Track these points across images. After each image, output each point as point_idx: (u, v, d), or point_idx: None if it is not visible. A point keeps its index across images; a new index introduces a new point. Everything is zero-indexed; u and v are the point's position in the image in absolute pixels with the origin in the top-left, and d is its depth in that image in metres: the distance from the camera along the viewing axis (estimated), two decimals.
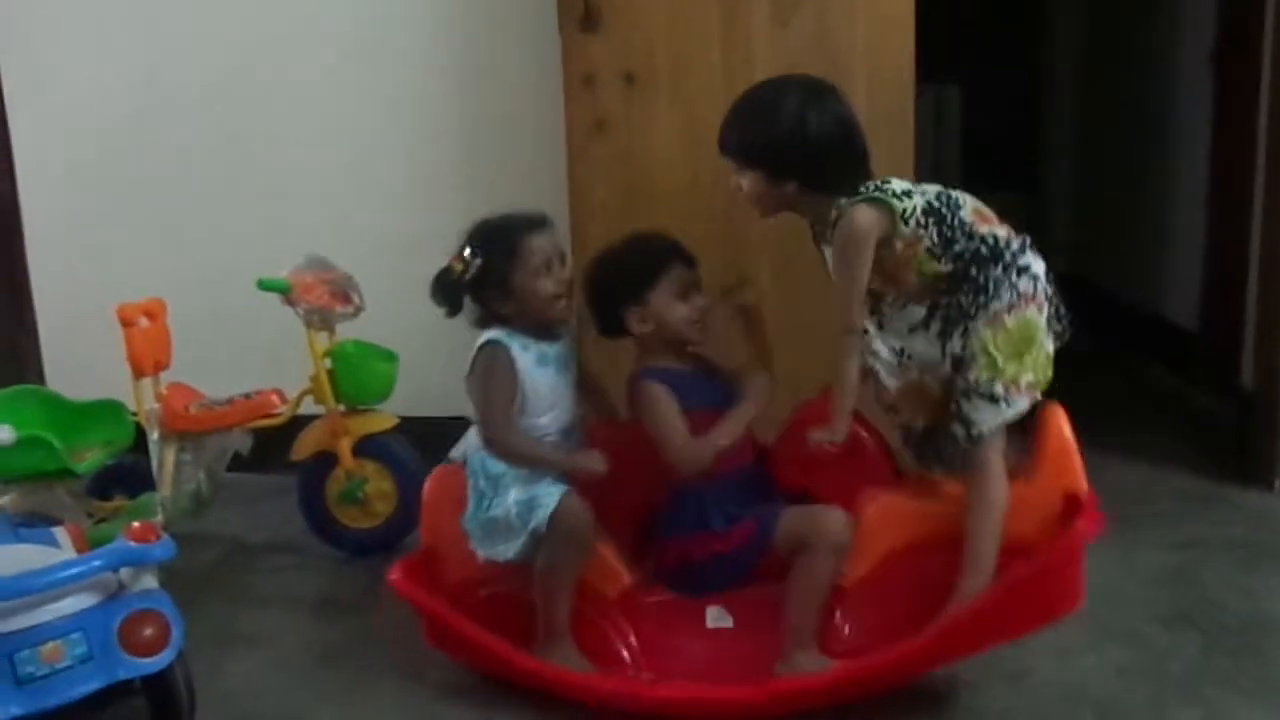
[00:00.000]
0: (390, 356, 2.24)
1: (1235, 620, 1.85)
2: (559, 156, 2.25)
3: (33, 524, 1.73)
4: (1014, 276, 1.54)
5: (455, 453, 1.79)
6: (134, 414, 2.21)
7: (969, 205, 1.59)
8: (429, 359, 2.45)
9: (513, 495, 1.63)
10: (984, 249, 1.55)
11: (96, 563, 1.39)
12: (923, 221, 1.54)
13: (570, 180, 2.24)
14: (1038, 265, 1.57)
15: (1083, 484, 1.59)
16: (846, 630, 1.61)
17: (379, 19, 2.57)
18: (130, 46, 2.67)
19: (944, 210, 1.56)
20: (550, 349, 1.71)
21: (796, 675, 1.56)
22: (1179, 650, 1.75)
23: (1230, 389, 2.80)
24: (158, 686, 1.46)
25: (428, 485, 1.77)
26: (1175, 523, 2.25)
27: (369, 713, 1.68)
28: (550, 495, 1.60)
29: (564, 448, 1.70)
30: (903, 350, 1.61)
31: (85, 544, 1.65)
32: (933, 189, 1.59)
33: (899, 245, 1.55)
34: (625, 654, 1.65)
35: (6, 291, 2.88)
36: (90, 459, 2.14)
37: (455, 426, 2.10)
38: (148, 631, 1.40)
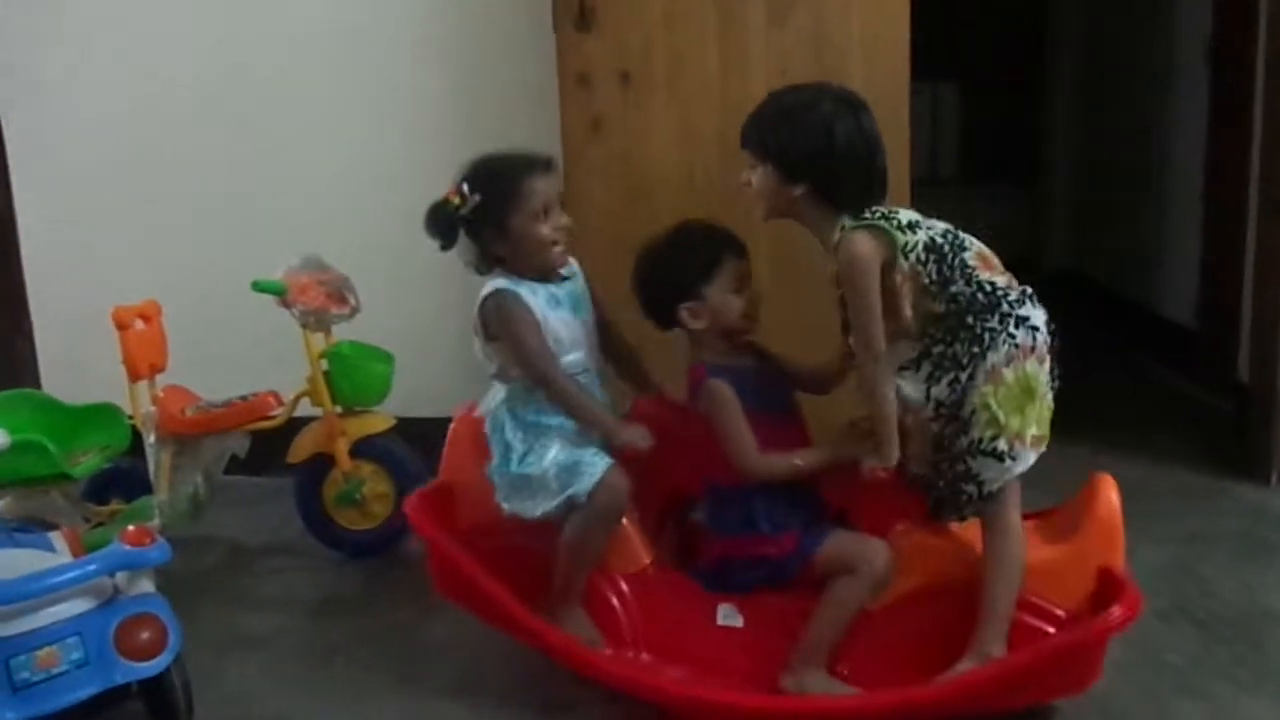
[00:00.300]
0: (387, 358, 2.23)
1: (1233, 613, 1.85)
2: (555, 156, 2.24)
3: (28, 529, 1.73)
4: (1011, 327, 1.50)
5: (482, 407, 1.75)
6: (130, 417, 2.20)
7: (974, 249, 1.56)
8: (426, 359, 2.46)
9: (553, 454, 1.61)
10: (981, 296, 1.51)
11: (92, 567, 1.39)
12: (923, 258, 1.52)
13: (567, 179, 2.23)
14: (1038, 316, 1.53)
15: (1122, 560, 1.55)
16: (854, 657, 1.60)
17: (373, 19, 2.57)
18: (124, 50, 2.66)
19: (946, 249, 1.53)
20: (560, 290, 1.68)
21: (803, 693, 1.56)
22: (1177, 643, 1.75)
23: (1228, 384, 2.80)
24: (155, 690, 1.46)
25: (454, 424, 1.75)
26: (1174, 517, 2.26)
27: (368, 714, 1.68)
28: (595, 465, 1.58)
29: (605, 406, 1.67)
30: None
31: (81, 548, 1.64)
32: (940, 226, 1.56)
33: (897, 278, 1.52)
34: (627, 630, 1.64)
35: (2, 295, 2.87)
36: (86, 463, 2.14)
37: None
38: (144, 635, 1.39)
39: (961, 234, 1.57)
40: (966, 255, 1.54)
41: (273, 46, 2.60)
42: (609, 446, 1.63)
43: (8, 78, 2.72)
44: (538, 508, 1.61)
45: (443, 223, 1.66)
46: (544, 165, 1.68)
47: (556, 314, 1.66)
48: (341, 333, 2.22)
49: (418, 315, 2.60)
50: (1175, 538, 2.14)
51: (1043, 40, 5.01)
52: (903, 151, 2.13)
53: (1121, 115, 3.99)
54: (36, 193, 2.76)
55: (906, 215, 1.55)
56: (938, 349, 1.53)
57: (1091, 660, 1.52)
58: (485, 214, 1.64)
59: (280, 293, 2.10)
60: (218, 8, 2.61)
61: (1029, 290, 1.56)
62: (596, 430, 1.63)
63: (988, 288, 1.52)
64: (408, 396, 2.29)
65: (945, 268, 1.52)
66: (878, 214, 1.54)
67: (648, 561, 1.66)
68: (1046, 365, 1.53)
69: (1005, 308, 1.51)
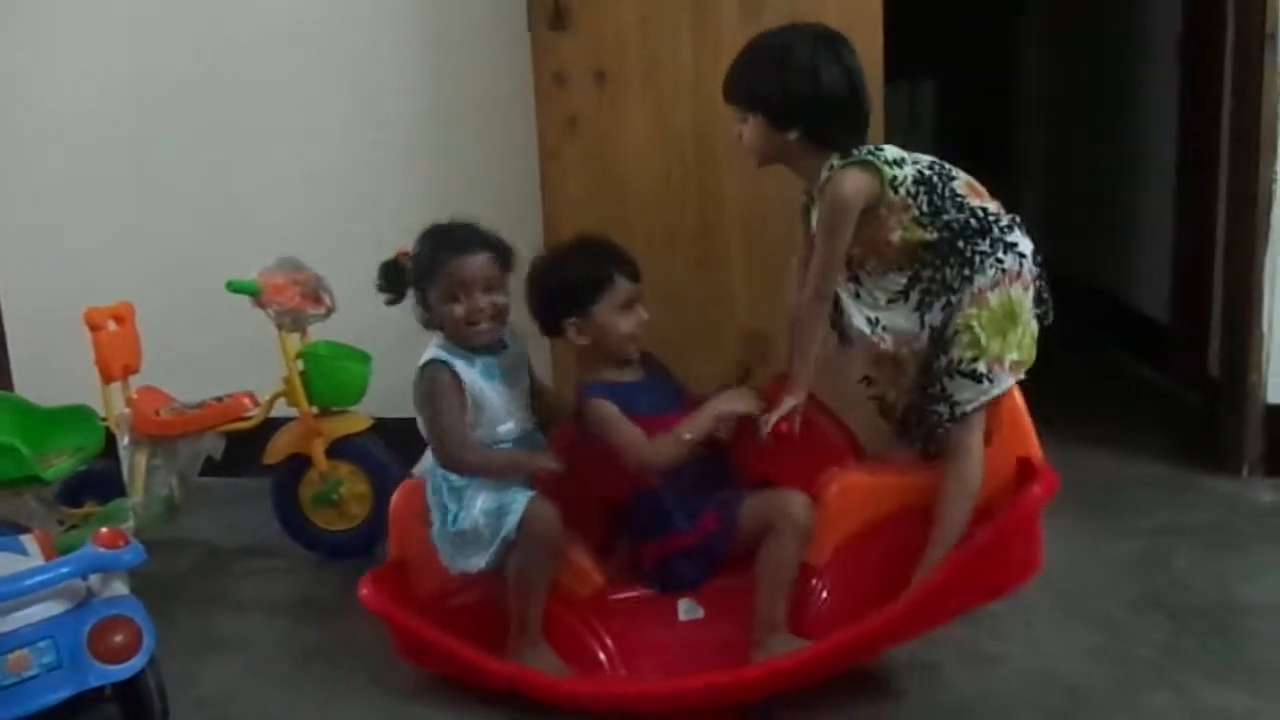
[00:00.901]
0: (363, 358, 2.23)
1: (1204, 604, 1.87)
2: (531, 154, 2.24)
3: (1, 531, 1.71)
4: (1000, 252, 1.53)
5: (418, 469, 1.78)
6: (104, 419, 2.19)
7: (962, 178, 1.59)
8: (403, 359, 2.42)
9: (479, 504, 1.63)
10: (973, 221, 1.54)
11: (64, 569, 1.38)
12: (913, 191, 1.53)
13: (542, 177, 2.24)
14: (1025, 244, 1.56)
15: (1036, 449, 1.59)
16: (817, 611, 1.62)
17: (349, 19, 2.56)
18: (98, 49, 2.64)
19: (935, 180, 1.55)
20: (494, 360, 1.70)
21: (772, 657, 1.57)
22: (1148, 634, 1.77)
23: (1200, 378, 2.84)
24: (129, 694, 1.45)
25: (394, 500, 1.77)
26: (1146, 509, 2.28)
27: (345, 715, 1.68)
28: (517, 501, 1.61)
29: (519, 450, 1.70)
30: (877, 321, 1.59)
31: (54, 551, 1.63)
32: (926, 159, 1.58)
33: (883, 212, 1.54)
34: (600, 653, 1.65)
35: None
36: (59, 465, 2.13)
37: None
38: (118, 638, 1.38)
39: (948, 165, 1.59)
40: (955, 184, 1.57)
41: (249, 46, 2.59)
42: (528, 481, 1.66)
43: None
44: (481, 560, 1.63)
45: (389, 278, 1.73)
46: (475, 246, 1.67)
47: (491, 384, 1.68)
48: (319, 333, 2.21)
49: (395, 315, 2.58)
50: (1147, 530, 2.17)
51: (1015, 36, 5.05)
52: None
53: (1094, 111, 4.02)
54: (7, 192, 2.74)
55: (893, 151, 1.57)
56: (927, 273, 1.55)
57: (1027, 547, 1.54)
58: (414, 281, 1.70)
59: (255, 293, 2.09)
60: (197, 6, 2.59)
61: (1017, 218, 1.59)
62: (511, 474, 1.66)
63: (980, 213, 1.55)
64: (385, 397, 2.28)
65: (936, 197, 1.54)
66: (865, 151, 1.55)
67: (600, 580, 1.67)
68: (1030, 292, 1.55)
69: (996, 232, 1.54)
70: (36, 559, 1.55)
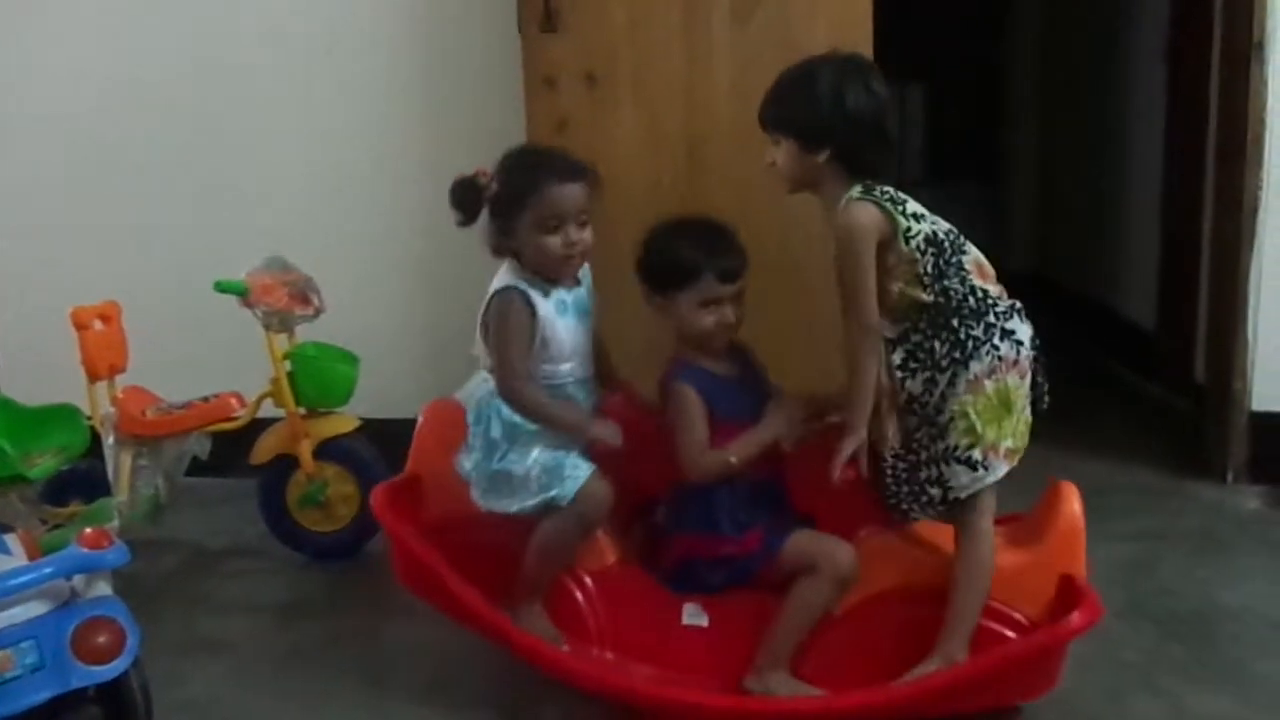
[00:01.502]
0: (351, 359, 2.22)
1: (1189, 609, 1.88)
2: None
3: None
4: (997, 339, 1.52)
5: (460, 393, 1.72)
6: (89, 418, 2.18)
7: (972, 255, 1.58)
8: (391, 360, 2.45)
9: (535, 454, 1.59)
10: (971, 300, 1.53)
11: (47, 570, 1.37)
12: (923, 248, 1.53)
13: None
14: (1023, 331, 1.55)
15: (1083, 568, 1.57)
16: (818, 659, 1.61)
17: (340, 21, 2.56)
18: (87, 47, 2.63)
19: (947, 246, 1.55)
20: (569, 295, 1.65)
21: (768, 694, 1.57)
22: (1133, 640, 1.78)
23: (1187, 385, 2.86)
24: (113, 695, 1.43)
25: (423, 415, 1.74)
26: (1132, 515, 2.29)
27: (332, 716, 1.67)
28: (579, 469, 1.57)
29: (579, 406, 1.65)
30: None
31: (38, 551, 1.62)
32: (945, 225, 1.58)
33: (891, 260, 1.54)
34: (592, 628, 1.64)
35: None
36: (44, 464, 2.11)
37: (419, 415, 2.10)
38: (101, 639, 1.37)
39: (963, 238, 1.58)
40: (965, 258, 1.56)
41: (239, 46, 2.59)
42: (586, 449, 1.63)
43: None
44: (515, 504, 1.60)
45: (464, 197, 1.62)
46: (573, 174, 1.60)
47: (563, 320, 1.63)
48: (306, 333, 2.21)
49: (383, 316, 2.59)
50: (1133, 536, 2.18)
51: (1003, 40, 5.07)
52: None
53: (1081, 116, 4.05)
54: None
55: (914, 206, 1.57)
56: (916, 338, 1.54)
57: (1050, 666, 1.54)
58: (498, 206, 1.61)
59: (242, 293, 2.09)
60: (186, 7, 2.59)
61: (1018, 305, 1.57)
62: (569, 431, 1.62)
63: (979, 293, 1.54)
64: (373, 398, 2.28)
65: (942, 262, 1.54)
66: (886, 195, 1.56)
67: (613, 559, 1.66)
68: (1027, 380, 1.55)
69: (992, 318, 1.53)
70: (20, 559, 1.53)
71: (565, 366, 1.64)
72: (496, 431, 1.62)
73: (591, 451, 1.63)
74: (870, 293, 1.53)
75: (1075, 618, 1.48)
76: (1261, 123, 2.33)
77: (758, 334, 1.76)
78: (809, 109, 1.57)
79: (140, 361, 2.23)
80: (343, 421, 2.20)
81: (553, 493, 1.57)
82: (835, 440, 1.58)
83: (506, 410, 1.62)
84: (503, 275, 1.63)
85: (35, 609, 1.35)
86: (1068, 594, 1.54)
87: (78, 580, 1.42)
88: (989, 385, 1.51)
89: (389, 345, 2.31)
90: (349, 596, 2.05)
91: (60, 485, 2.26)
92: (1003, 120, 5.13)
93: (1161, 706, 1.60)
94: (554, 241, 1.59)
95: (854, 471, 1.58)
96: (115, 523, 2.09)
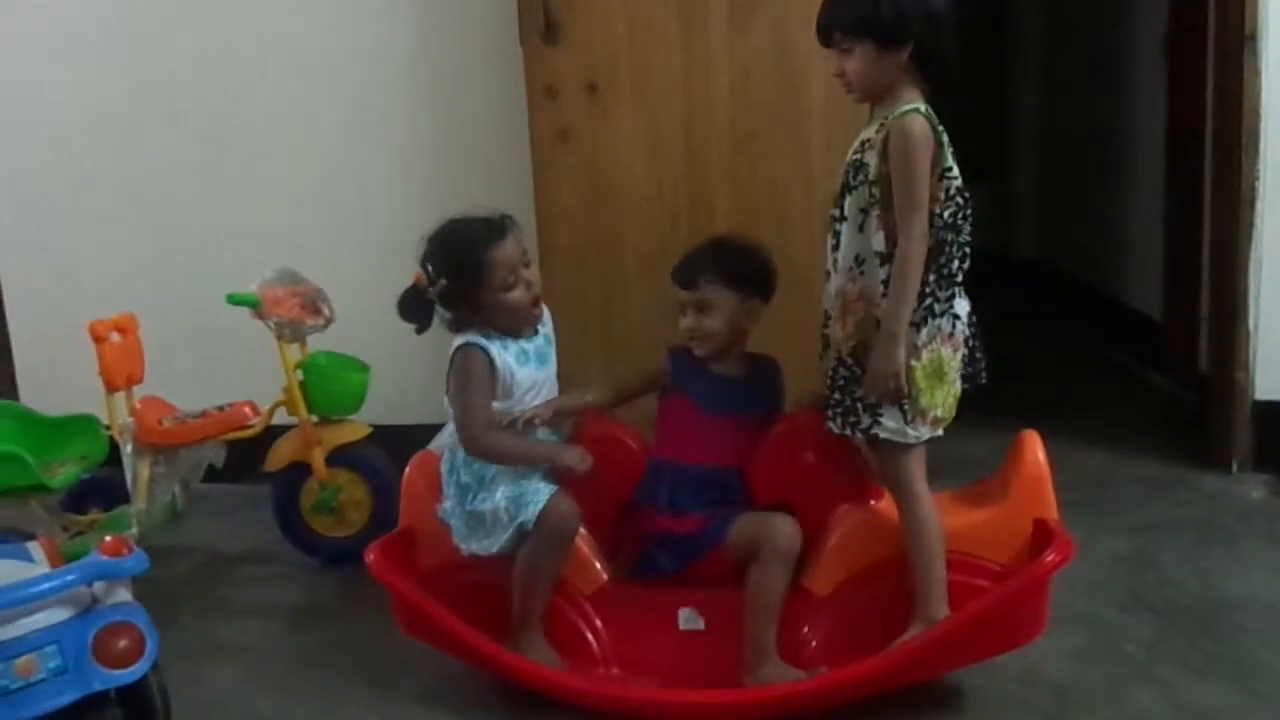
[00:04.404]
0: (362, 367, 2.26)
1: (1190, 600, 1.90)
2: (525, 165, 2.28)
3: (6, 539, 1.75)
4: (938, 312, 1.55)
5: (434, 444, 1.80)
6: (108, 428, 2.22)
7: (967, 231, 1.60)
8: (401, 367, 2.48)
9: (501, 491, 1.65)
10: (954, 267, 1.55)
11: (70, 577, 1.41)
12: (951, 193, 1.54)
13: (536, 188, 2.28)
14: (962, 307, 1.58)
15: (1054, 511, 1.61)
16: (815, 641, 1.65)
17: (348, 35, 2.60)
18: (101, 63, 2.68)
19: (967, 206, 1.56)
20: (529, 345, 1.71)
21: (765, 684, 1.59)
22: (1135, 632, 1.80)
23: (1191, 375, 2.86)
24: (133, 698, 1.47)
25: (408, 470, 1.79)
26: (1135, 506, 2.31)
27: (342, 718, 1.70)
28: (539, 493, 1.62)
29: (544, 441, 1.71)
30: (862, 263, 1.58)
31: (59, 558, 1.66)
32: (963, 198, 1.57)
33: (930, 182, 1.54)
34: (595, 648, 1.68)
35: None
36: (64, 473, 2.16)
37: (428, 433, 2.14)
38: (122, 643, 1.41)
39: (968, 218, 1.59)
40: (967, 228, 1.57)
41: (250, 61, 2.63)
42: (554, 476, 1.67)
43: None
44: (494, 544, 1.65)
45: (414, 307, 1.68)
46: (501, 230, 1.67)
47: (523, 370, 1.69)
48: (318, 343, 2.25)
49: (393, 324, 2.60)
50: (1136, 527, 2.19)
51: (1005, 32, 5.07)
52: None
53: (1083, 107, 4.05)
54: (13, 205, 2.78)
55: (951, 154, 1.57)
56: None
57: (1034, 609, 1.57)
58: (454, 294, 1.66)
59: (254, 305, 2.13)
60: (195, 21, 2.64)
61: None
62: (538, 465, 1.68)
63: (959, 266, 1.56)
64: (383, 404, 2.33)
65: (959, 218, 1.55)
66: (942, 130, 1.56)
67: (606, 579, 1.69)
68: (960, 354, 1.57)
69: (953, 291, 1.55)
70: (42, 566, 1.58)
71: (523, 406, 1.70)
72: (465, 477, 1.68)
73: (558, 476, 1.67)
74: (924, 202, 1.51)
75: (1048, 556, 1.52)
76: (1256, 114, 2.34)
77: (760, 328, 1.79)
78: (891, 6, 1.54)
79: (157, 372, 2.28)
80: (354, 429, 2.24)
81: (520, 519, 1.61)
82: (800, 424, 1.64)
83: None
84: (463, 334, 1.68)
85: (58, 614, 1.40)
86: (1041, 537, 1.57)
87: (98, 586, 1.46)
88: (925, 354, 1.54)
89: (398, 353, 2.31)
90: (360, 600, 2.08)
91: (80, 493, 2.31)
92: (1007, 111, 5.14)
93: (1160, 697, 1.61)
94: (517, 295, 1.66)
95: (823, 451, 1.62)
96: (133, 530, 2.14)
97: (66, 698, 1.37)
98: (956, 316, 1.57)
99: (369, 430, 2.25)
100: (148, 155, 2.68)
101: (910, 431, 1.55)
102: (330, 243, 2.60)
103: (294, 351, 2.21)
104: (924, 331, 1.54)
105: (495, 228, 1.68)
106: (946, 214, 1.54)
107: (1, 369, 2.84)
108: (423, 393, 2.35)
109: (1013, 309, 4.06)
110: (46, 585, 1.38)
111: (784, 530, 1.60)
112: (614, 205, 2.26)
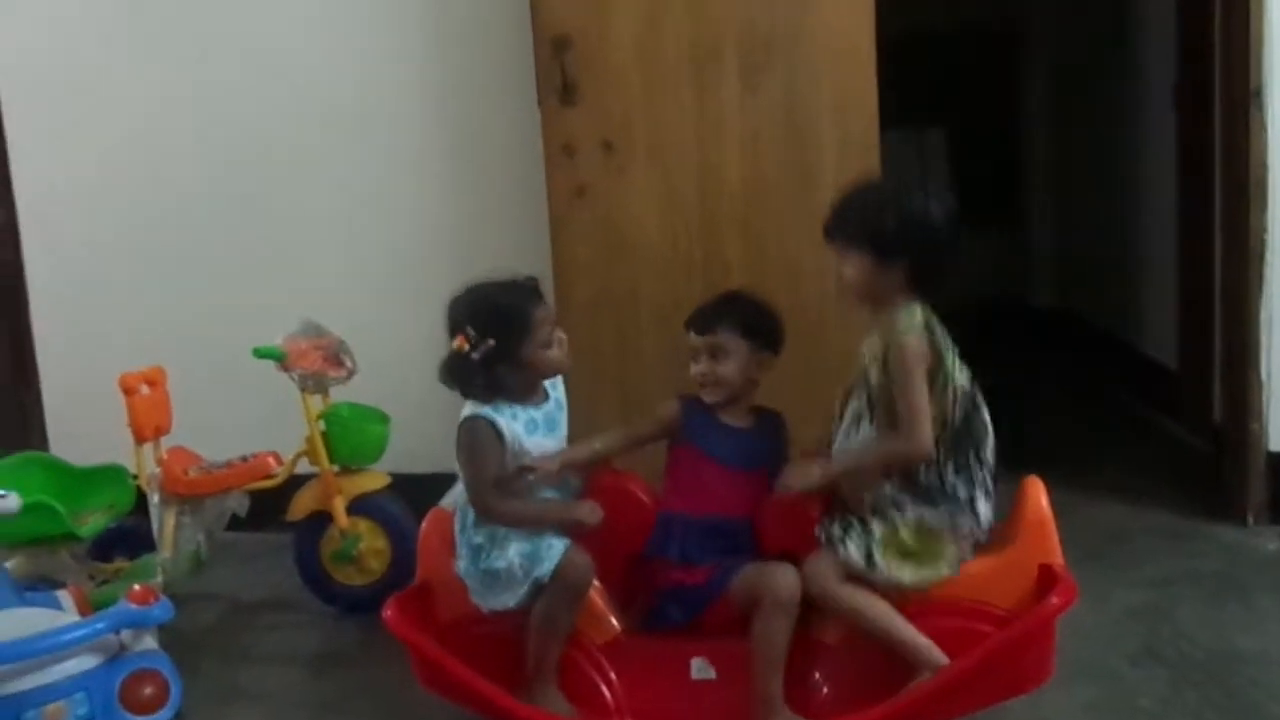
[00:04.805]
0: (383, 418, 2.30)
1: (1204, 654, 1.89)
2: (543, 220, 2.34)
3: (37, 588, 1.79)
4: (961, 518, 1.58)
5: (446, 501, 1.83)
6: (135, 478, 2.27)
7: (990, 443, 1.62)
8: (421, 417, 2.51)
9: (514, 548, 1.67)
10: (972, 471, 1.59)
11: (100, 625, 1.46)
12: (956, 397, 1.58)
13: (553, 242, 2.33)
14: (984, 509, 1.61)
15: (1058, 555, 1.62)
16: (825, 690, 1.65)
17: (374, 97, 2.68)
18: (133, 117, 2.77)
19: (977, 405, 1.60)
20: (538, 413, 1.76)
21: None
22: (1147, 686, 1.80)
23: (1206, 425, 2.86)
24: None
25: (423, 526, 1.82)
26: (1150, 558, 2.30)
27: None
28: (553, 548, 1.65)
29: (554, 500, 1.75)
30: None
31: (88, 606, 1.71)
32: (975, 399, 1.61)
33: (930, 387, 1.57)
34: (609, 699, 1.69)
35: (12, 359, 2.96)
36: (93, 523, 2.20)
37: (447, 482, 2.17)
38: (147, 690, 1.45)
39: (989, 423, 1.62)
40: (980, 416, 1.61)
41: (276, 119, 2.71)
42: (566, 531, 1.70)
43: (19, 141, 2.82)
44: (511, 599, 1.67)
45: (460, 371, 1.70)
46: (537, 290, 1.75)
47: (532, 438, 1.73)
48: (340, 395, 2.30)
49: (412, 375, 2.65)
50: (1151, 580, 2.19)
51: (1018, 84, 5.13)
52: None
53: (1096, 156, 4.09)
54: (46, 259, 2.87)
55: (956, 352, 1.61)
56: (897, 478, 1.59)
57: (1040, 654, 1.58)
58: (499, 353, 1.69)
59: (279, 358, 2.18)
60: (225, 80, 2.72)
61: (990, 487, 1.62)
62: (550, 525, 1.70)
63: (973, 456, 1.59)
64: (403, 453, 2.36)
65: (968, 417, 1.59)
66: (946, 335, 1.60)
67: (618, 630, 1.71)
68: (967, 552, 1.60)
69: (973, 493, 1.59)
70: (72, 614, 1.63)
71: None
72: (478, 537, 1.71)
73: (570, 530, 1.69)
74: (926, 415, 1.55)
75: (1052, 600, 1.53)
76: (1264, 167, 2.37)
77: (770, 377, 1.83)
78: (893, 222, 1.59)
79: (184, 423, 2.33)
80: (374, 478, 2.27)
81: (536, 574, 1.64)
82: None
83: None
84: (470, 405, 1.72)
85: (87, 662, 1.44)
86: (1046, 582, 1.58)
87: (125, 634, 1.51)
88: (927, 527, 1.57)
89: (418, 404, 2.37)
90: (379, 647, 2.09)
91: (107, 542, 2.34)
92: (1022, 160, 5.19)
93: None
94: (554, 353, 1.73)
95: (823, 505, 1.65)
96: (159, 578, 2.17)
97: None
98: (976, 516, 1.60)
99: (388, 480, 2.29)
100: (177, 213, 2.76)
101: (869, 571, 1.58)
102: (353, 295, 2.66)
103: (317, 402, 2.26)
104: (937, 512, 1.58)
105: (532, 288, 1.75)
106: (957, 419, 1.59)
107: (32, 420, 2.91)
108: (443, 442, 2.36)
109: (1028, 356, 4.08)
110: (78, 634, 1.43)
111: (785, 580, 1.62)
112: (629, 260, 2.30)
